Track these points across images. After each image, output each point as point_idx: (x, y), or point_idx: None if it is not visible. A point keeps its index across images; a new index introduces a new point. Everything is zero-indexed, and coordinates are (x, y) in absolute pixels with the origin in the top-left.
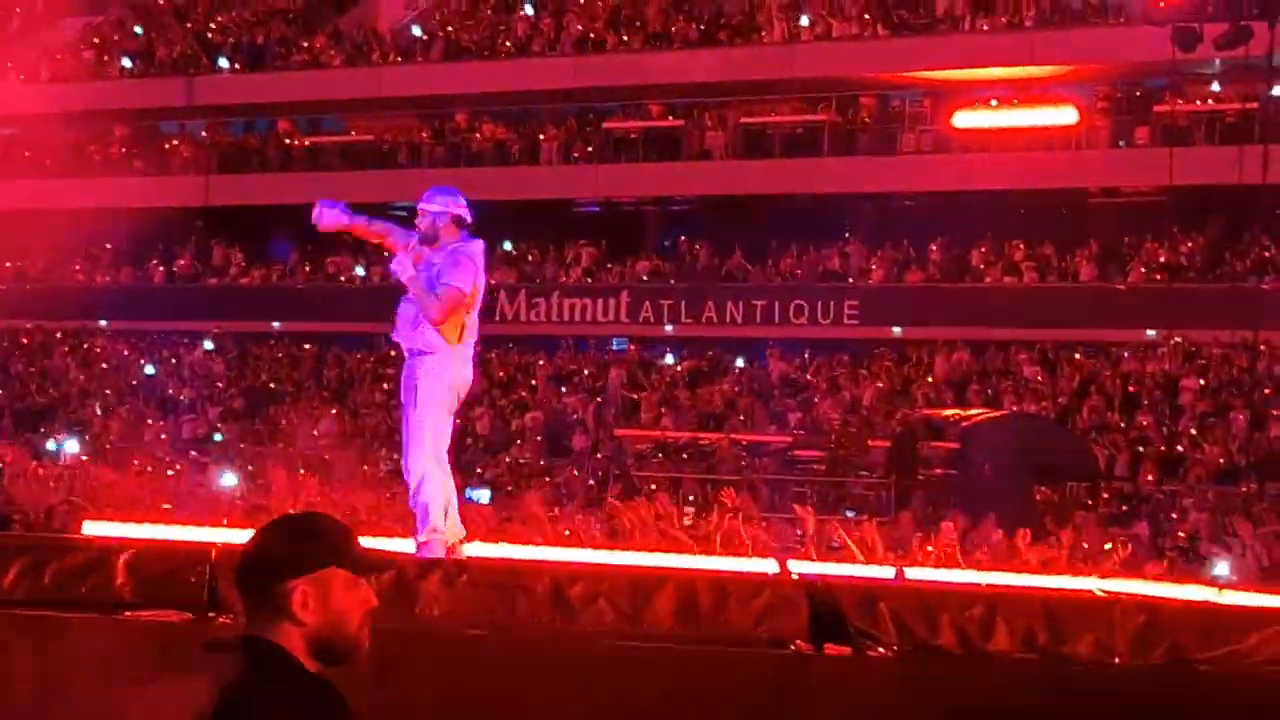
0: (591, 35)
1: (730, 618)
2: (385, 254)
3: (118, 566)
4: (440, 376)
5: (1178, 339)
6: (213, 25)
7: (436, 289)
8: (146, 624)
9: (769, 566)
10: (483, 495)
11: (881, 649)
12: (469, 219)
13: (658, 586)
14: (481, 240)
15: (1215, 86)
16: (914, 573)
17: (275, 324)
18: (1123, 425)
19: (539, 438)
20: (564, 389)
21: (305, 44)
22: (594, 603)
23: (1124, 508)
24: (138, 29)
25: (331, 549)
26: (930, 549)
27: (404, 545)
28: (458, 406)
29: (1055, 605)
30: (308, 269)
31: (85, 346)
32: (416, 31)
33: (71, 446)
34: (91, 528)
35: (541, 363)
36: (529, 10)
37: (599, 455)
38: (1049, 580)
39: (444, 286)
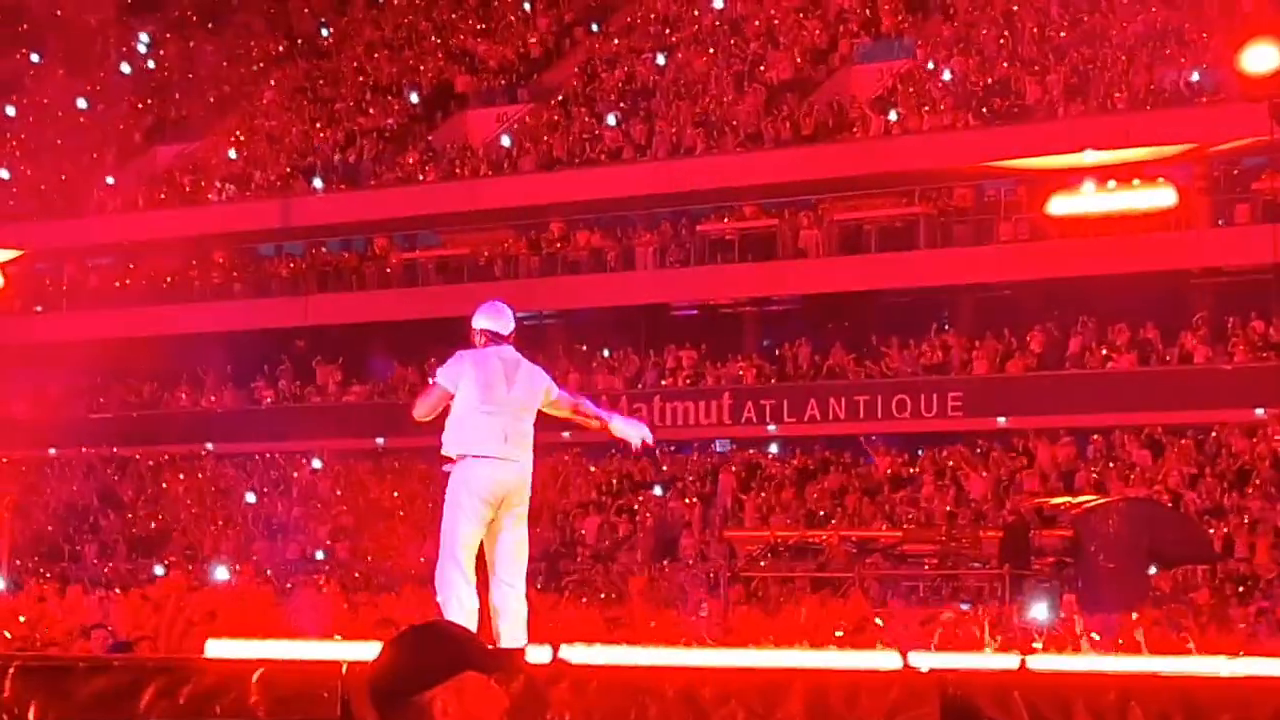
0: (682, 140)
1: (863, 714)
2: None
3: (250, 685)
4: (459, 482)
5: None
6: (306, 146)
7: None
8: None
9: (891, 660)
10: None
11: None
12: (500, 331)
13: (787, 686)
14: (500, 347)
15: None
16: (1038, 660)
17: (380, 440)
18: (1237, 506)
19: (649, 542)
20: (668, 493)
21: (398, 161)
22: (725, 704)
23: (1242, 588)
24: (231, 154)
25: (463, 655)
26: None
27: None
28: (488, 514)
29: (1190, 688)
30: (409, 384)
31: (193, 471)
32: (507, 143)
33: (221, 574)
34: (215, 647)
35: (646, 468)
36: (617, 117)
37: (707, 558)
38: (1177, 662)
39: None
